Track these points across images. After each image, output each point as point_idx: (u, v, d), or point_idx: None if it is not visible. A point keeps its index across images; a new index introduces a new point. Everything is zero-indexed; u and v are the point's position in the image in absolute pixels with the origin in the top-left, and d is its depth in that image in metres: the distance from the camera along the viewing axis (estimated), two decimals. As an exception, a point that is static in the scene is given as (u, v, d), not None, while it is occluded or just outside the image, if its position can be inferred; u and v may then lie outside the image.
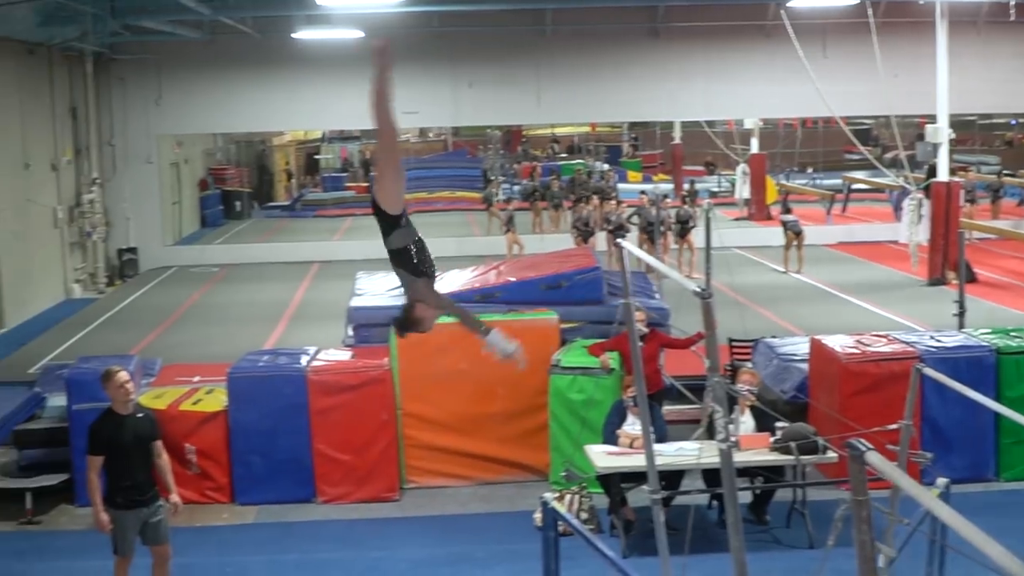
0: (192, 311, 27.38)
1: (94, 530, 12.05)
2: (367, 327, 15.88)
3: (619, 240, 10.48)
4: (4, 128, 26.90)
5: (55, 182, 30.60)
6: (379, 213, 6.85)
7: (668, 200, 32.99)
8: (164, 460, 10.62)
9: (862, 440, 4.86)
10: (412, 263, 6.89)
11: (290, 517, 13.60)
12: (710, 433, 11.36)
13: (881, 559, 8.72)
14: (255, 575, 11.66)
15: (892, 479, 4.50)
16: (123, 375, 10.40)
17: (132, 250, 34.46)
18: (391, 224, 6.85)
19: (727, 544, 11.58)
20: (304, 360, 14.41)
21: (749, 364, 16.21)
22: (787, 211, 31.32)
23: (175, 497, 10.56)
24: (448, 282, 16.75)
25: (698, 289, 6.41)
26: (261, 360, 14.60)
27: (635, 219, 29.49)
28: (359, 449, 13.98)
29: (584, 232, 29.84)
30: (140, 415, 10.55)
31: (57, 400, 15.96)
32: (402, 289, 7.08)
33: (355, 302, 16.52)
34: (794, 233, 30.09)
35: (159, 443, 10.61)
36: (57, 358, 21.54)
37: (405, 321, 7.12)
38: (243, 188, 51.41)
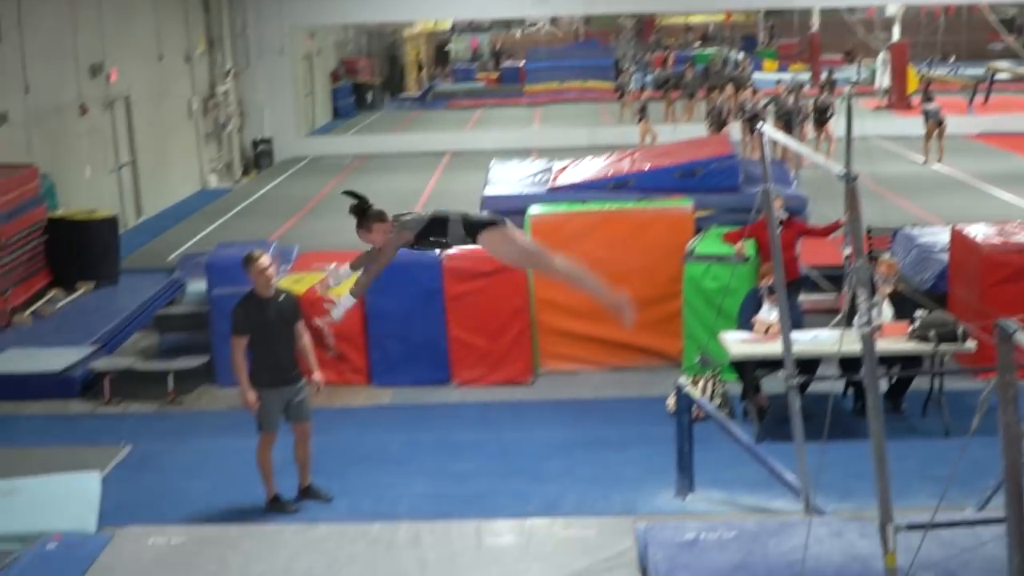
0: (327, 201, 27.63)
1: (235, 409, 12.37)
2: (501, 215, 15.90)
3: (758, 125, 10.33)
4: (138, 20, 27.19)
5: (189, 74, 30.94)
6: (476, 231, 7.61)
7: (805, 89, 32.43)
8: (306, 341, 10.78)
9: (1011, 320, 4.79)
10: (428, 237, 7.62)
11: (425, 399, 13.78)
12: (848, 322, 11.25)
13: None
14: (392, 452, 11.85)
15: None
16: (265, 259, 10.54)
17: (266, 141, 34.81)
18: (468, 237, 7.66)
19: (862, 432, 11.58)
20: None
21: (888, 254, 16.01)
22: (928, 100, 30.62)
23: (317, 376, 10.74)
24: (582, 169, 16.73)
25: (842, 172, 6.30)
26: (397, 246, 14.70)
27: (770, 108, 29.07)
28: (493, 334, 14.08)
29: (718, 122, 29.51)
30: (282, 297, 10.71)
31: (197, 286, 16.31)
32: (409, 220, 7.63)
33: (488, 190, 16.56)
34: (935, 123, 29.42)
35: (301, 324, 10.78)
36: (195, 246, 21.94)
37: (369, 218, 7.61)
38: (374, 80, 51.59)
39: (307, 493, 10.95)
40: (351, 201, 7.61)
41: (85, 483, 11.34)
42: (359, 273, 7.86)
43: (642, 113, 32.47)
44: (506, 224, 7.51)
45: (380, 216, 7.65)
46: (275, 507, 10.73)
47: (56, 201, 20.17)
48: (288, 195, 28.98)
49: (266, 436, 10.64)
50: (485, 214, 7.48)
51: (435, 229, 7.59)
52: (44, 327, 16.59)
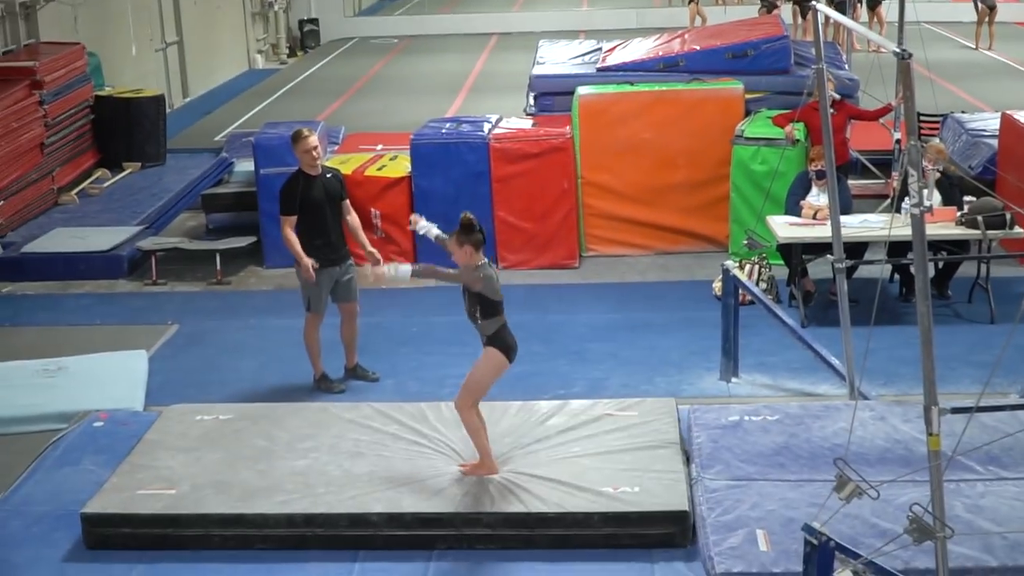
0: (373, 82, 27.53)
1: (282, 289, 12.56)
2: (549, 95, 15.76)
3: (811, 3, 10.16)
4: None
5: (237, -49, 30.77)
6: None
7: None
8: (354, 218, 10.76)
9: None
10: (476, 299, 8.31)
11: (471, 282, 13.77)
12: (897, 206, 11.17)
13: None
14: (439, 333, 11.89)
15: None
16: (313, 139, 10.46)
17: (313, 21, 34.66)
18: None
19: (907, 318, 11.57)
20: (486, 128, 14.42)
21: (937, 139, 15.82)
22: (981, -17, 30.07)
23: (371, 248, 10.56)
24: (631, 50, 16.55)
25: (897, 49, 6.19)
26: (444, 127, 14.64)
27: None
28: (540, 217, 14.04)
29: (768, 3, 29.13)
30: (329, 175, 10.67)
31: (244, 165, 16.31)
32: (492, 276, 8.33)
33: (537, 70, 16.40)
34: (987, 8, 28.95)
35: (347, 202, 10.77)
36: (242, 126, 21.92)
37: (469, 237, 8.22)
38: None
39: (354, 373, 11.02)
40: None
41: (132, 362, 11.45)
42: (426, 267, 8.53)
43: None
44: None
45: (477, 243, 8.21)
46: (322, 386, 10.79)
47: (103, 80, 20.15)
48: (335, 76, 28.87)
49: (313, 316, 10.67)
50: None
51: (484, 302, 8.29)
52: (91, 206, 16.67)
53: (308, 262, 10.32)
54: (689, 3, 32.05)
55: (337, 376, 10.94)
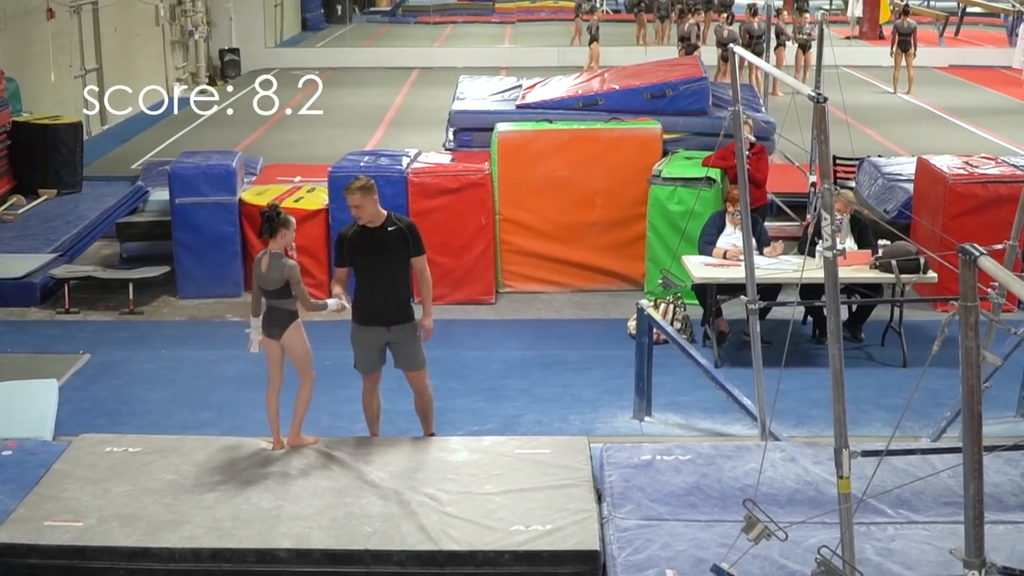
0: (293, 113, 27.41)
1: (194, 320, 12.35)
2: (468, 131, 15.78)
3: (730, 46, 10.25)
4: (108, -77, 26.79)
5: (158, -21, 30.58)
6: None
7: (784, 15, 32.16)
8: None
9: (975, 245, 4.79)
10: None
11: (386, 316, 13.69)
12: (811, 248, 11.26)
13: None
14: (353, 368, 11.80)
15: (1005, 283, 4.43)
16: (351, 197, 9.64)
17: (234, 51, 34.51)
18: None
19: (819, 360, 11.67)
20: (405, 162, 14.38)
21: (853, 183, 16.05)
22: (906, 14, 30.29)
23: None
24: (551, 88, 16.62)
25: (812, 93, 6.26)
26: (362, 160, 14.58)
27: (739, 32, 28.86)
28: (457, 252, 14.01)
29: (689, 46, 29.38)
30: (392, 228, 9.96)
31: (160, 194, 16.18)
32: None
33: (457, 106, 16.40)
34: (901, 52, 29.26)
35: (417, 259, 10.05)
36: (159, 155, 21.75)
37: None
38: (345, -8, 51.05)
39: None
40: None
41: (42, 391, 11.27)
42: None
43: (591, 34, 32.39)
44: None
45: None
46: None
47: (20, 105, 19.91)
48: (254, 106, 28.70)
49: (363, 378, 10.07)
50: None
51: None
52: (5, 233, 16.40)
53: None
54: (591, 43, 32.32)
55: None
